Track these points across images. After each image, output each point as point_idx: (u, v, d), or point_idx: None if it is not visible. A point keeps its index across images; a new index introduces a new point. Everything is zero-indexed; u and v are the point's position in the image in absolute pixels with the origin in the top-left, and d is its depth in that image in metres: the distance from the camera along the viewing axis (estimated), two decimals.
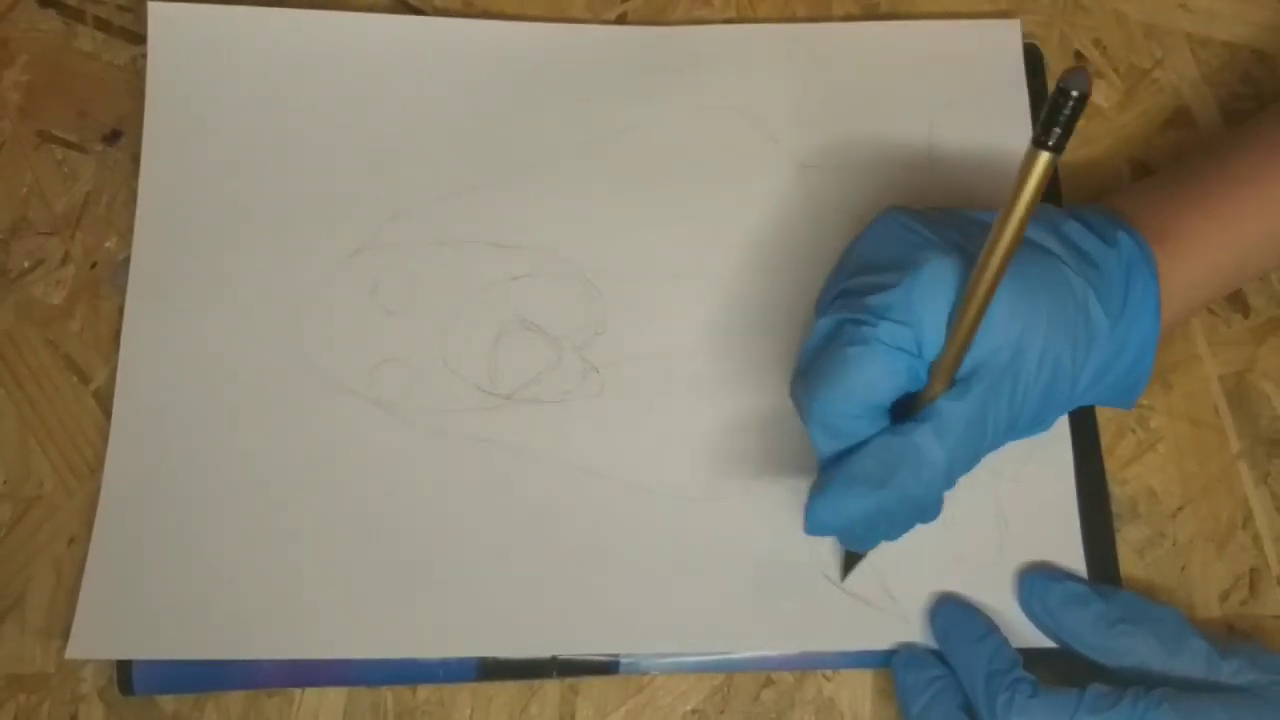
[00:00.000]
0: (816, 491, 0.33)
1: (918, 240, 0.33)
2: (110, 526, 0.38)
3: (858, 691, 0.37)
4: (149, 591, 0.37)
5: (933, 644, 0.37)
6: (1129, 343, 0.34)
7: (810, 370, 0.33)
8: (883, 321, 0.32)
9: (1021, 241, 0.29)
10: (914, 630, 0.37)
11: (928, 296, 0.32)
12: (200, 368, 0.39)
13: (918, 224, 0.34)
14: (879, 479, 0.31)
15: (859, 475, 0.32)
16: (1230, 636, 0.38)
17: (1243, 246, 0.35)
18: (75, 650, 0.36)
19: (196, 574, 0.37)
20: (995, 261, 0.29)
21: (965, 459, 0.33)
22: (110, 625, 0.36)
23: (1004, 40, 0.44)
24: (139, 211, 0.41)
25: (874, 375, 0.32)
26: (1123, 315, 0.34)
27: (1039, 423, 0.35)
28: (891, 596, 0.37)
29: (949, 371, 0.32)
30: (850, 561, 0.37)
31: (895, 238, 0.34)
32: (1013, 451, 0.38)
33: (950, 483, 0.33)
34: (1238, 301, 0.41)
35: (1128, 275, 0.34)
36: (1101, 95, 0.44)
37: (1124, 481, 0.39)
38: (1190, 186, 0.36)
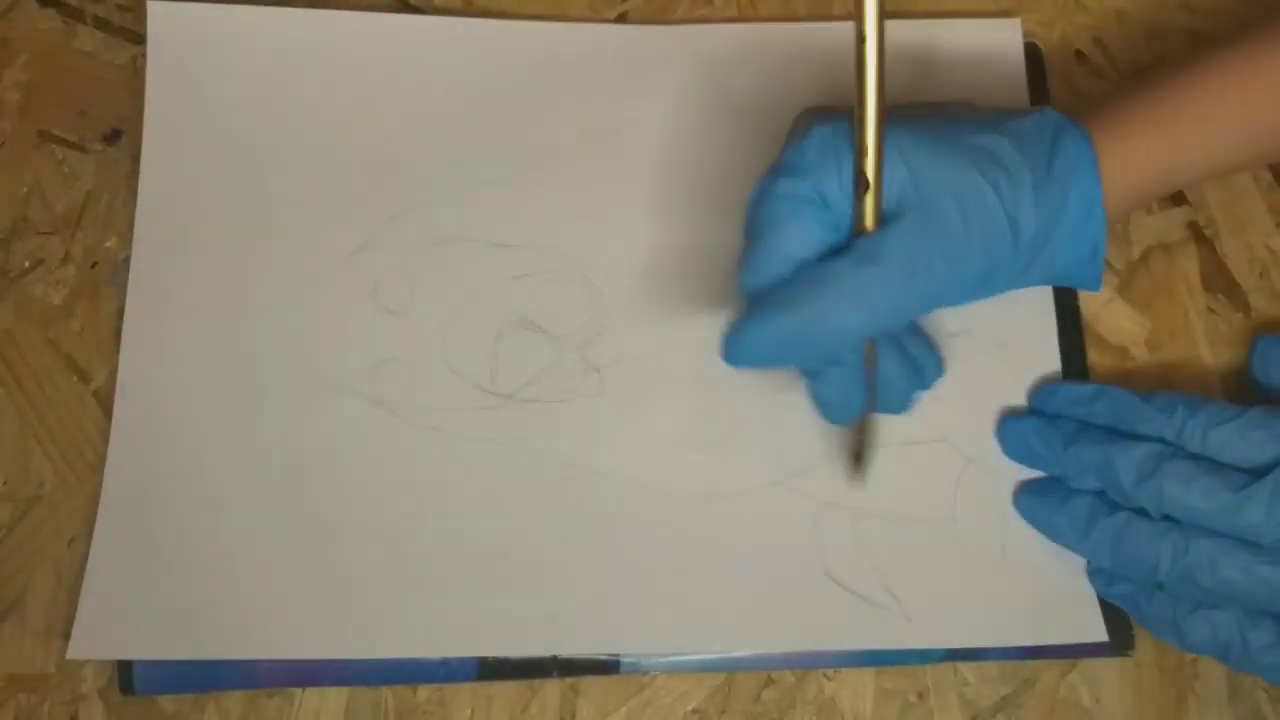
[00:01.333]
0: (731, 324, 0.34)
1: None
2: (111, 526, 0.38)
3: (859, 691, 0.37)
4: (150, 591, 0.37)
5: (928, 645, 0.37)
6: (1070, 195, 0.34)
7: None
8: (780, 178, 0.34)
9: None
10: (916, 629, 0.37)
11: (821, 144, 0.33)
12: (200, 367, 0.39)
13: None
14: (789, 303, 0.33)
15: (772, 300, 0.33)
16: None
17: (1176, 136, 0.36)
18: (77, 650, 0.36)
19: (197, 574, 0.37)
20: (869, 95, 0.31)
21: (889, 294, 0.33)
22: (111, 625, 0.36)
23: (1004, 39, 0.44)
24: (139, 211, 0.41)
25: (790, 228, 0.33)
26: (1052, 167, 0.34)
27: (989, 280, 0.35)
28: (893, 595, 0.37)
29: (870, 219, 0.33)
30: (857, 449, 0.37)
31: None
32: None
33: (873, 321, 0.33)
34: (1238, 300, 0.41)
35: (1054, 135, 0.35)
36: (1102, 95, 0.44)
37: None
38: (1130, 86, 0.37)
